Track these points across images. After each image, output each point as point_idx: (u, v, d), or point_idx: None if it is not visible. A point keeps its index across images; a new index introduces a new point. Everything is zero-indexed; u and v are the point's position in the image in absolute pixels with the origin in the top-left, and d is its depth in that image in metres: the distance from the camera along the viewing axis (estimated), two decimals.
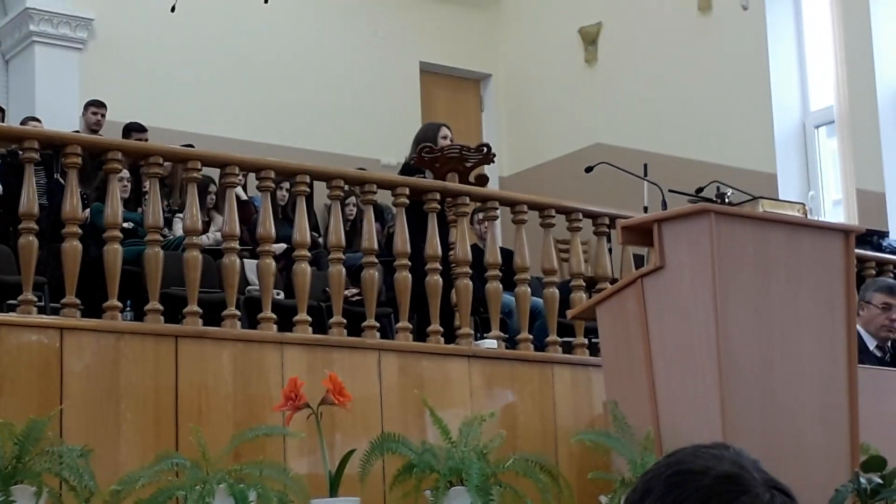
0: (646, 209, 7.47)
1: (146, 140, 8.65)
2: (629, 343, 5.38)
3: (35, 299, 5.98)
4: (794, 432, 5.18)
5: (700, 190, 7.04)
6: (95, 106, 9.48)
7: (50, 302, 7.10)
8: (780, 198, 8.35)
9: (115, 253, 6.06)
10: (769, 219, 5.44)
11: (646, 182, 7.59)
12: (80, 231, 6.08)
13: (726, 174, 8.33)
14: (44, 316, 6.19)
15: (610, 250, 7.50)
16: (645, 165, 7.78)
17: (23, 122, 8.77)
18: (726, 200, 6.10)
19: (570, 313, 6.32)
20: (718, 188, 6.63)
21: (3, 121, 8.77)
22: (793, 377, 5.28)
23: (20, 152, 6.31)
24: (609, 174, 7.95)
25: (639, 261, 7.56)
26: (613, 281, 6.79)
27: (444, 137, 7.87)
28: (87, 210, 7.78)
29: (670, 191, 7.22)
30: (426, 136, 7.92)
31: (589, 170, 7.60)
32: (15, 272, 6.51)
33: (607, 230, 7.34)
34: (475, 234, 8.40)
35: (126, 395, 5.71)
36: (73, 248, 5.99)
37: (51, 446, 4.05)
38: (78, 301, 5.93)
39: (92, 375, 5.68)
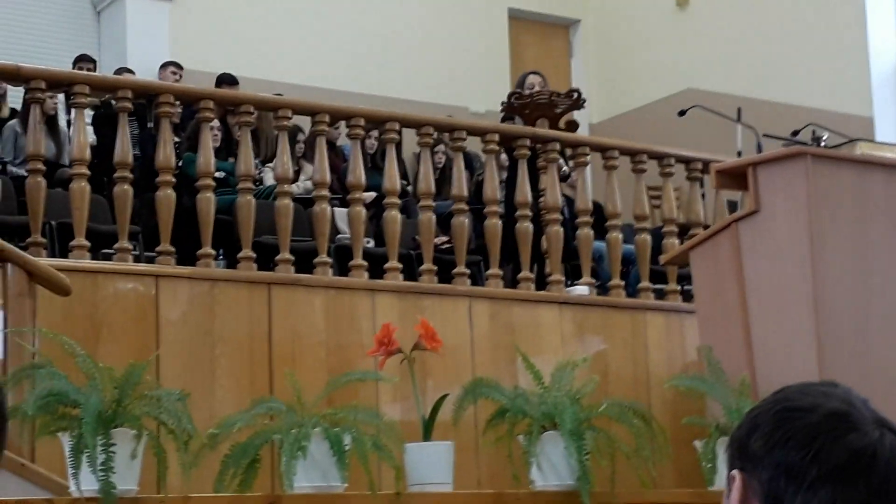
0: (739, 154, 7.35)
1: None
2: (723, 288, 5.31)
3: (131, 247, 6.07)
4: (891, 377, 5.09)
5: (795, 133, 6.90)
6: (175, 66, 9.47)
7: (144, 251, 7.18)
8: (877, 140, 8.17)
9: (208, 201, 6.11)
10: (867, 161, 5.33)
11: (739, 126, 7.47)
12: (173, 180, 6.14)
13: (822, 118, 8.16)
14: (139, 264, 6.27)
15: (703, 196, 7.41)
16: (738, 110, 7.65)
17: (116, 73, 8.85)
18: (822, 144, 5.99)
19: (663, 258, 6.27)
20: (814, 131, 6.50)
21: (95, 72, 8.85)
22: (891, 321, 5.18)
23: (113, 102, 6.38)
24: (702, 119, 7.84)
25: (732, 207, 7.46)
26: (706, 227, 6.71)
27: (532, 86, 7.80)
28: (179, 160, 7.84)
29: (765, 135, 7.09)
30: (518, 86, 7.91)
31: (682, 113, 7.49)
32: (109, 222, 6.60)
33: (700, 175, 7.26)
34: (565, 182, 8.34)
35: (220, 341, 5.78)
36: (167, 197, 6.05)
37: (149, 391, 4.10)
38: (173, 249, 6.00)
39: (187, 322, 5.75)
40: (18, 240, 5.92)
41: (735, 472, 1.52)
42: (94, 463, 3.84)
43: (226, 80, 9.41)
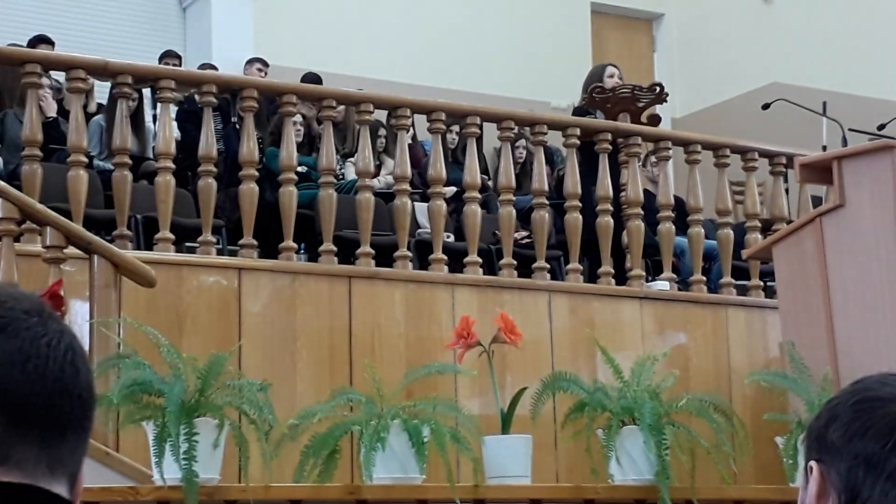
0: (824, 148, 7.26)
1: None
2: (807, 283, 5.25)
3: (214, 241, 6.14)
4: None
5: (882, 127, 6.81)
6: (261, 63, 9.53)
7: (227, 245, 7.26)
8: None
9: (290, 195, 6.16)
10: None
11: (825, 120, 7.37)
12: (256, 174, 6.20)
13: None
14: (223, 257, 6.35)
15: (787, 191, 7.32)
16: (824, 104, 7.55)
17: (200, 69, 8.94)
18: None
19: (745, 253, 6.21)
20: None
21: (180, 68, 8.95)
22: None
23: (197, 97, 6.46)
24: (786, 114, 7.75)
25: (816, 203, 7.36)
26: (790, 222, 6.63)
27: (611, 76, 7.76)
28: (262, 155, 7.91)
29: (850, 129, 7.00)
30: (592, 78, 7.85)
31: (766, 107, 7.41)
32: (194, 216, 6.68)
33: (784, 170, 7.17)
34: (647, 177, 8.29)
35: (301, 333, 5.83)
36: (250, 191, 6.11)
37: (231, 381, 4.15)
38: (255, 242, 6.06)
39: (269, 314, 5.81)
40: (105, 233, 6.02)
41: (813, 464, 1.51)
42: (177, 451, 3.90)
43: (310, 79, 9.46)
